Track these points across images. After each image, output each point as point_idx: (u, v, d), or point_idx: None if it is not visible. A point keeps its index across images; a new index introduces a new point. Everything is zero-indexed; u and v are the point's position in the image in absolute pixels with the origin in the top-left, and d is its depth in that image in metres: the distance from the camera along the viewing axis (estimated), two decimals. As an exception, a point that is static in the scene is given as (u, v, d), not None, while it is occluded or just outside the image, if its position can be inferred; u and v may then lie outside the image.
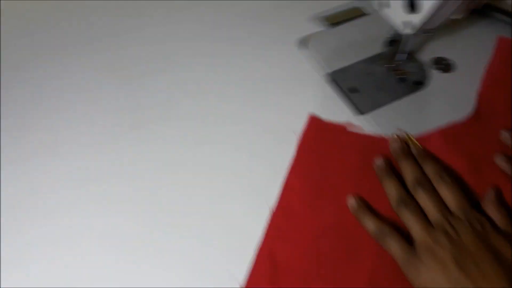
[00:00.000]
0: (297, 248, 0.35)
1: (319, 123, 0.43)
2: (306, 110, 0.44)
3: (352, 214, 0.37)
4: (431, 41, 0.51)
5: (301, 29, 0.53)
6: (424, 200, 0.35)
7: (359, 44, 0.50)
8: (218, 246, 0.36)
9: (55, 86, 0.48)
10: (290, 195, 0.38)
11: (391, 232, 0.34)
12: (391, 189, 0.37)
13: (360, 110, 0.44)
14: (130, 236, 0.36)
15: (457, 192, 0.35)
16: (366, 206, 0.37)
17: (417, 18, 0.38)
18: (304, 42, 0.51)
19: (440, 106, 0.45)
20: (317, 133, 0.42)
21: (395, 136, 0.41)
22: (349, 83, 0.47)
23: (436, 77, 0.48)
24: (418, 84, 0.47)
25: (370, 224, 0.35)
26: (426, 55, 0.49)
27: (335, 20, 0.53)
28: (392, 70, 0.48)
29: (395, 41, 0.45)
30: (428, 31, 0.42)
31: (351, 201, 0.37)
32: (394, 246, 0.33)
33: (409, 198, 0.36)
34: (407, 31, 0.41)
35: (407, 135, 0.41)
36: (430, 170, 0.37)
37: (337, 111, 0.44)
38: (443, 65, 0.48)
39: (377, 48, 0.50)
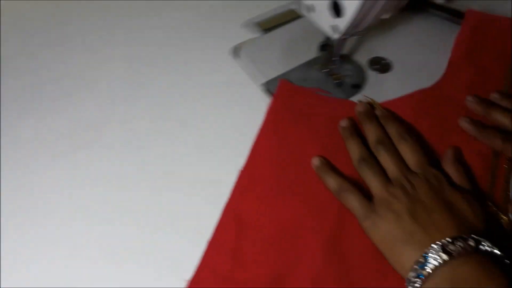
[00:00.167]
0: (262, 207, 0.36)
1: (290, 87, 0.44)
2: (244, 123, 0.42)
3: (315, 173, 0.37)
4: (367, 41, 0.49)
5: (235, 36, 0.50)
6: (384, 158, 0.36)
7: (294, 49, 0.48)
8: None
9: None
10: (258, 155, 0.39)
11: (350, 189, 0.35)
12: (354, 149, 0.37)
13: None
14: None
15: (417, 151, 0.36)
16: (329, 165, 0.37)
17: (343, 22, 0.36)
18: (237, 51, 0.48)
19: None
20: (288, 96, 0.43)
21: (361, 100, 0.42)
22: (285, 92, 0.44)
23: (373, 78, 0.46)
24: (356, 87, 0.45)
25: (331, 181, 0.36)
26: (363, 56, 0.48)
27: (269, 25, 0.51)
28: (328, 74, 0.46)
29: (327, 45, 0.43)
30: (358, 34, 0.40)
31: (315, 160, 0.38)
32: (353, 202, 0.34)
33: (369, 157, 0.36)
34: (336, 35, 0.39)
35: (372, 100, 0.42)
36: (392, 130, 0.38)
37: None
38: (380, 65, 0.47)
39: (313, 52, 0.48)
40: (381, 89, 0.45)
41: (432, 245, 0.29)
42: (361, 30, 0.39)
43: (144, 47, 0.50)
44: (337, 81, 0.45)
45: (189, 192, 0.38)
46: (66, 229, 0.36)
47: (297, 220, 0.35)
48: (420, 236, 0.31)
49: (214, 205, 0.36)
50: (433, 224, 0.31)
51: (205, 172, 0.39)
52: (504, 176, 0.38)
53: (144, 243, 0.35)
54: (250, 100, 0.45)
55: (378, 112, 0.41)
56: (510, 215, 0.35)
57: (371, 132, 0.38)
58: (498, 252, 0.29)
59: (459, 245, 0.29)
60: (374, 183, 0.35)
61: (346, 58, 0.47)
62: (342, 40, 0.41)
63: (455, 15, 0.51)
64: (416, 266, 0.29)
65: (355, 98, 0.44)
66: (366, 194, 0.35)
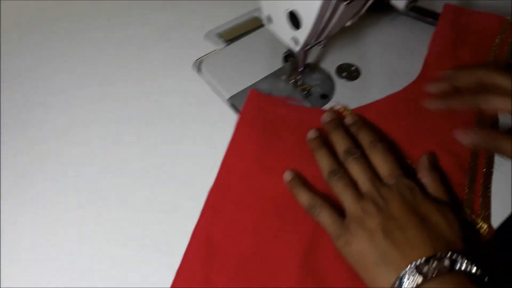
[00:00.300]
0: (234, 227, 0.34)
1: (259, 97, 0.42)
2: (212, 140, 0.40)
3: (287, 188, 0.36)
4: (333, 48, 0.47)
5: (198, 49, 0.48)
6: (354, 169, 0.35)
7: (259, 59, 0.46)
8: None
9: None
10: (228, 172, 0.37)
11: (322, 205, 0.33)
12: (323, 161, 0.36)
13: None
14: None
15: (389, 159, 0.35)
16: (300, 179, 0.36)
17: (302, 35, 0.34)
18: (199, 66, 0.46)
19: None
20: (257, 108, 0.41)
21: (330, 109, 0.41)
22: (251, 106, 0.42)
23: (342, 86, 0.44)
24: (325, 97, 0.43)
25: (302, 196, 0.34)
26: (330, 64, 0.46)
27: (231, 36, 0.49)
28: (296, 85, 0.44)
29: (291, 56, 0.41)
30: (321, 44, 0.38)
31: (286, 175, 0.36)
32: (325, 220, 0.33)
33: (339, 169, 0.35)
34: (297, 48, 0.37)
35: (344, 107, 0.41)
36: (363, 138, 0.37)
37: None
38: (348, 72, 0.45)
39: (279, 61, 0.46)
40: (351, 97, 0.43)
41: (407, 267, 0.28)
42: (324, 39, 0.38)
43: (106, 64, 0.47)
44: (305, 92, 0.44)
45: (154, 216, 0.36)
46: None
47: (271, 240, 0.34)
48: (394, 256, 0.30)
49: (183, 229, 0.34)
50: (407, 242, 0.30)
51: (171, 194, 0.37)
52: (483, 181, 0.37)
53: (109, 271, 0.33)
54: (217, 115, 0.42)
55: (348, 119, 0.39)
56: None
57: (339, 143, 0.37)
58: (474, 270, 0.28)
59: (434, 266, 0.28)
60: (345, 198, 0.33)
61: (313, 67, 0.46)
62: (306, 51, 0.39)
63: (424, 14, 0.50)
64: None
65: (327, 107, 0.42)
66: (339, 209, 0.33)
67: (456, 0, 0.50)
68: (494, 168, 0.38)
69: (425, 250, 0.29)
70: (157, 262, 0.33)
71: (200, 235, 0.34)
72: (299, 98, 0.43)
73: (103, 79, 0.46)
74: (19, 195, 0.37)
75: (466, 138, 0.38)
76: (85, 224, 0.36)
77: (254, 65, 0.46)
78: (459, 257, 0.28)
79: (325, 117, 0.39)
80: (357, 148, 0.36)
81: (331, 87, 0.44)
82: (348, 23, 0.37)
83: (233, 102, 0.43)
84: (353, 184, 0.34)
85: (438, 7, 0.50)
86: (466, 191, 0.36)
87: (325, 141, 0.38)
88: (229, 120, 0.41)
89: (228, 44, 0.48)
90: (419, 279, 0.28)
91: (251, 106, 0.41)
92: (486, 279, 0.28)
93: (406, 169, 0.35)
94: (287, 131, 0.40)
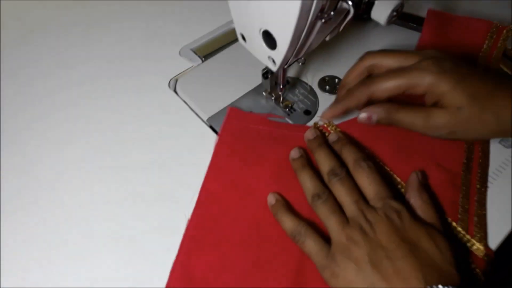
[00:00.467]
0: (215, 259, 0.32)
1: (239, 115, 0.40)
2: (190, 163, 0.38)
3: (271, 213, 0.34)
4: (315, 61, 0.45)
5: (173, 67, 0.45)
6: (339, 192, 0.33)
7: (237, 75, 0.44)
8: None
9: None
10: (207, 200, 0.35)
11: (307, 233, 0.32)
12: (306, 183, 0.34)
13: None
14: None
15: (376, 180, 0.33)
16: (284, 203, 0.34)
17: (278, 55, 0.32)
18: (175, 84, 0.44)
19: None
20: (238, 128, 0.39)
21: (314, 125, 0.39)
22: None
23: (326, 99, 0.42)
24: (308, 113, 0.41)
25: (286, 223, 0.33)
26: (312, 77, 0.44)
27: (207, 51, 0.46)
28: (278, 102, 0.42)
29: (271, 72, 0.39)
30: (300, 61, 0.36)
31: (270, 198, 0.34)
32: (310, 248, 0.31)
33: (324, 192, 0.33)
34: (274, 68, 0.34)
35: (329, 122, 0.39)
36: (348, 157, 0.35)
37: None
38: (331, 85, 0.43)
39: (258, 76, 0.43)
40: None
41: None
42: (303, 56, 0.35)
43: (80, 82, 0.45)
44: (287, 108, 0.41)
45: (133, 246, 0.34)
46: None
47: (255, 269, 0.32)
48: (382, 287, 0.28)
49: (162, 261, 0.32)
50: (396, 273, 0.28)
51: (147, 224, 0.35)
52: (477, 198, 0.35)
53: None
54: (196, 137, 0.40)
55: (332, 136, 0.37)
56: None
57: (322, 163, 0.35)
58: None
59: None
60: (330, 224, 0.31)
61: (294, 82, 0.43)
62: (284, 69, 0.37)
63: (407, 20, 0.48)
64: None
65: (311, 123, 0.40)
66: (324, 235, 0.32)
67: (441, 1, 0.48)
68: (489, 182, 0.36)
69: (416, 283, 0.27)
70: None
71: (179, 267, 0.32)
72: (281, 114, 0.41)
73: (77, 101, 0.43)
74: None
75: (365, 118, 0.36)
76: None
77: (232, 82, 0.43)
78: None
79: (308, 135, 0.37)
80: (342, 167, 0.34)
81: (315, 101, 0.42)
82: (327, 38, 0.35)
83: (211, 123, 0.40)
84: (339, 208, 0.32)
85: (421, 11, 0.48)
86: (460, 210, 0.34)
87: (309, 160, 0.36)
88: (209, 141, 0.38)
89: (204, 60, 0.45)
90: None
91: (230, 125, 0.39)
92: None
93: (394, 189, 0.33)
94: (270, 151, 0.37)
